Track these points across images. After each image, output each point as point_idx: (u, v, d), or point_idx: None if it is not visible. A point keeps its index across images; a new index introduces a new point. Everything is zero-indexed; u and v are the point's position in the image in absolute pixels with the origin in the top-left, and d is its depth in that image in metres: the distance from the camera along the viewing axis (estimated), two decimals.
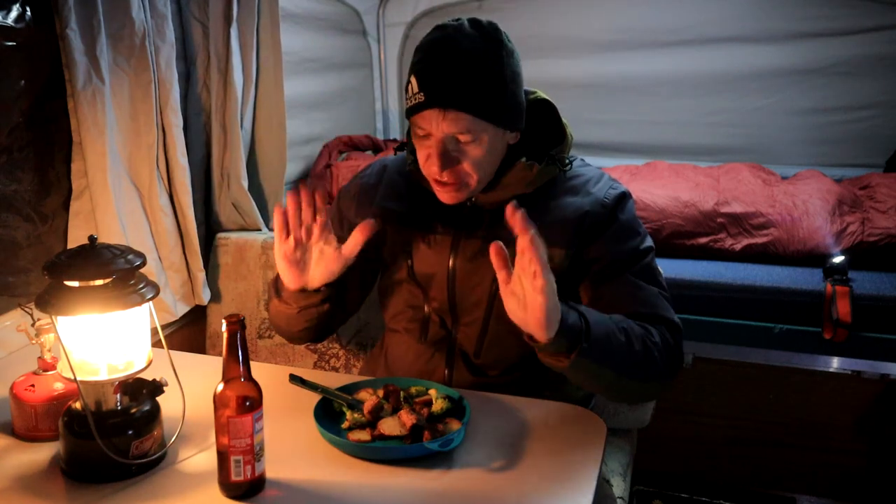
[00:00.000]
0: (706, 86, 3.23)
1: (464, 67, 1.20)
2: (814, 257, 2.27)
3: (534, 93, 1.37)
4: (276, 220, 1.22)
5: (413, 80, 1.22)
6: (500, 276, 1.05)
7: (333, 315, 1.38)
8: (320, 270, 1.27)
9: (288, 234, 1.23)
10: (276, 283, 1.35)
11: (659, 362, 1.22)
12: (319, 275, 1.27)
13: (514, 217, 1.01)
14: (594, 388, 1.30)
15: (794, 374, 2.22)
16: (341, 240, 1.40)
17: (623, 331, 1.19)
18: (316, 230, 1.24)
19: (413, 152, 1.33)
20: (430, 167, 1.25)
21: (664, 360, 1.23)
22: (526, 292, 1.03)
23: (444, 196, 1.29)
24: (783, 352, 2.18)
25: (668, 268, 2.06)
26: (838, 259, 2.18)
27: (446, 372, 1.38)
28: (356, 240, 1.25)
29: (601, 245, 1.31)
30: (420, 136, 1.25)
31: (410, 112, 1.23)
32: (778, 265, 2.30)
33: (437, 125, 1.21)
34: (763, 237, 2.33)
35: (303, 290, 1.30)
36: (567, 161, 1.35)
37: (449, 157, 1.23)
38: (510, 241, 1.29)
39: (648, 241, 1.35)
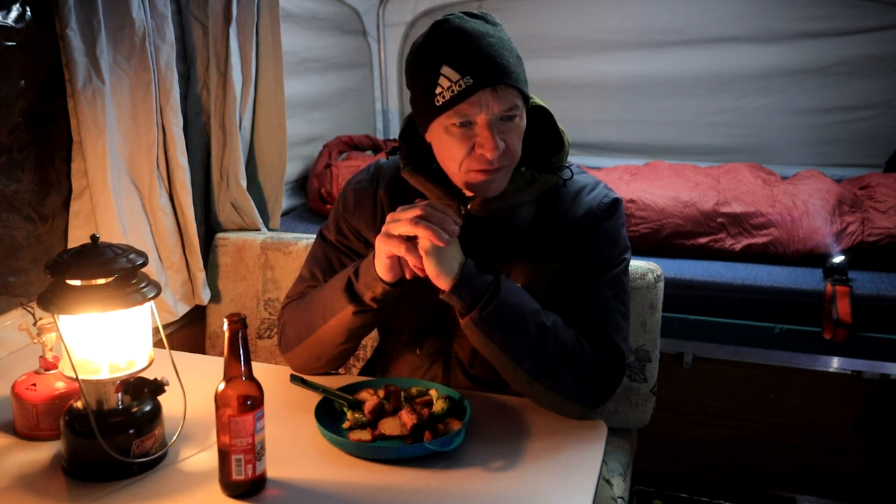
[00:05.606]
0: (706, 86, 3.22)
1: (495, 45, 1.17)
2: (814, 257, 2.26)
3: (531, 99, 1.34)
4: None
5: (447, 69, 1.15)
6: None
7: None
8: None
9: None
10: (353, 289, 1.25)
11: (573, 378, 1.19)
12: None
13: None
14: (499, 368, 1.23)
15: (794, 374, 2.22)
16: (347, 248, 1.39)
17: (541, 326, 1.17)
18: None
19: (407, 157, 1.29)
20: (485, 153, 1.17)
21: (584, 380, 1.20)
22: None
23: (490, 185, 1.22)
24: (783, 352, 2.17)
25: (668, 268, 2.06)
26: (838, 259, 2.18)
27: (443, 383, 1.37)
28: None
29: (580, 249, 1.30)
30: (458, 126, 1.18)
31: (455, 101, 1.15)
32: (778, 265, 2.30)
33: (489, 106, 1.16)
34: (763, 237, 2.33)
35: (392, 285, 1.22)
36: (567, 170, 1.31)
37: (501, 137, 1.18)
38: (504, 252, 1.29)
39: (626, 254, 1.33)
